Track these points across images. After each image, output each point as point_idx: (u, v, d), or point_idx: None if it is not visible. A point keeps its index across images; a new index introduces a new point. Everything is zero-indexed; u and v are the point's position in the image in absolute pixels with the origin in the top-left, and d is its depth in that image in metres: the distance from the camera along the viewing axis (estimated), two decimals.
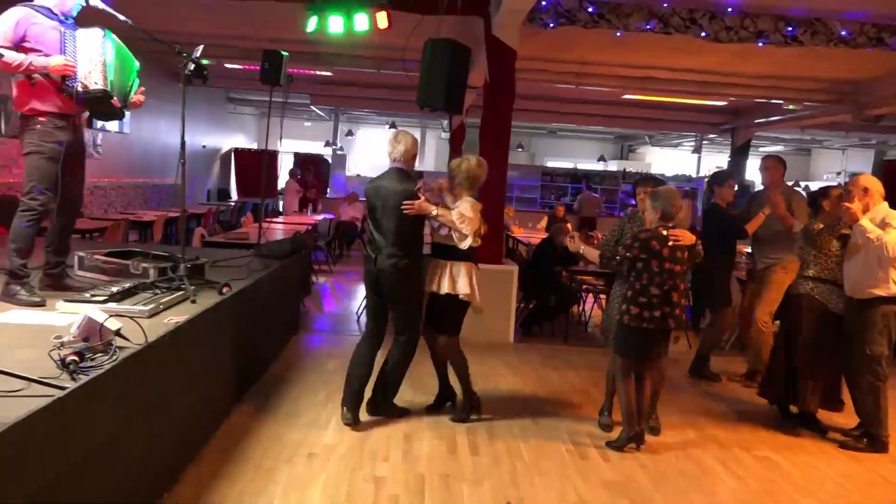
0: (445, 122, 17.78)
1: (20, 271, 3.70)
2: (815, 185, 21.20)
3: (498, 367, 5.88)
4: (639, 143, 23.14)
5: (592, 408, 4.89)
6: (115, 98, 3.82)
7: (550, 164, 22.08)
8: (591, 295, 7.61)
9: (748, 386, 5.71)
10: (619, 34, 6.83)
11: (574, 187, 19.45)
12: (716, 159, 21.36)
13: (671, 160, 23.03)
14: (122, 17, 3.83)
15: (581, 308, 7.93)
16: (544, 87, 12.06)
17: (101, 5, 3.78)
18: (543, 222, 12.63)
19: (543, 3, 6.48)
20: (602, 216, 16.09)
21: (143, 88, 4.09)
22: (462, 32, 7.16)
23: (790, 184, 6.55)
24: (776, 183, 5.76)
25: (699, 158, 20.84)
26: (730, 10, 6.72)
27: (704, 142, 19.77)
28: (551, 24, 6.59)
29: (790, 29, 6.78)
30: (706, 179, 6.38)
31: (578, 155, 23.21)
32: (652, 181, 4.91)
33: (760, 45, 6.93)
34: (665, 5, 6.64)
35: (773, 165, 5.82)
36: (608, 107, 14.35)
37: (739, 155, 14.81)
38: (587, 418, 4.71)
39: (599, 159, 22.42)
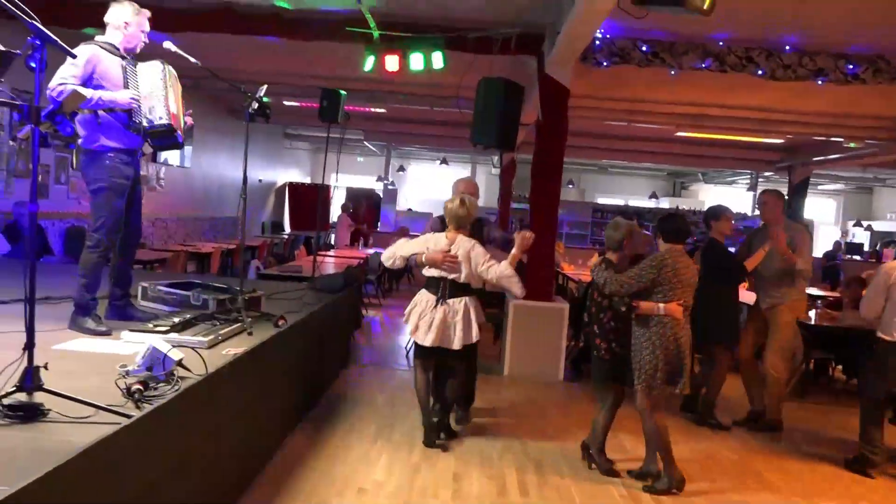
0: (496, 158, 17.91)
1: (89, 303, 3.85)
2: (877, 225, 20.62)
3: (547, 406, 5.81)
4: (692, 180, 22.83)
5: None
6: (178, 131, 3.98)
7: (601, 200, 21.95)
8: None
9: (754, 430, 5.49)
10: (672, 73, 6.81)
11: None
12: None
13: (725, 198, 22.62)
14: (192, 59, 4.01)
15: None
16: (596, 124, 12.07)
17: (174, 48, 3.98)
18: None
19: (597, 42, 6.52)
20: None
21: (191, 111, 4.22)
22: (515, 71, 7.26)
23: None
24: (776, 219, 5.55)
25: (755, 196, 20.41)
26: (787, 48, 6.65)
27: (760, 179, 19.38)
28: (605, 64, 6.62)
29: (851, 67, 6.65)
30: (703, 214, 6.11)
31: (630, 191, 23.03)
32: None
33: (819, 83, 6.82)
34: (721, 44, 6.61)
35: (771, 200, 5.62)
36: (660, 144, 14.25)
37: (797, 193, 14.45)
38: (640, 460, 4.59)
39: (651, 196, 22.19)
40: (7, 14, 2.39)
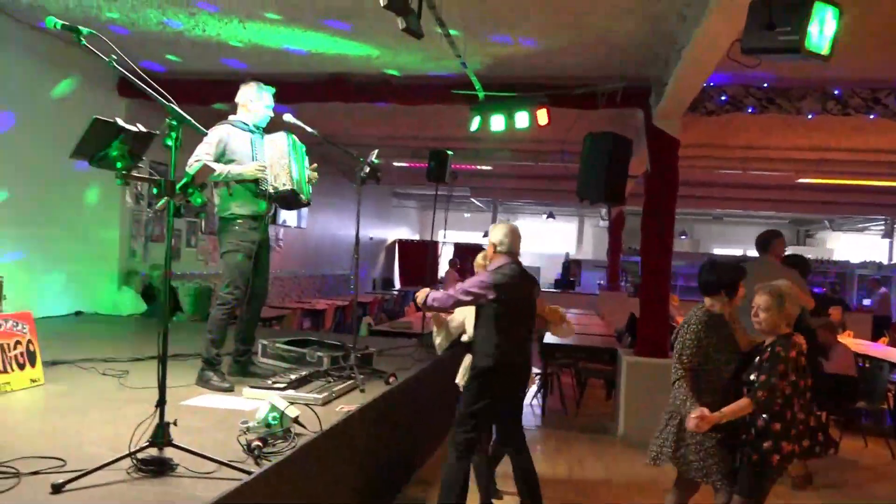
0: (604, 211, 17.66)
1: (215, 359, 4.08)
2: None
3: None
4: (817, 227, 21.50)
5: None
6: (301, 194, 4.22)
7: (716, 250, 21.05)
8: None
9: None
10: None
11: None
12: None
13: (857, 246, 21.10)
14: (309, 129, 4.28)
15: None
16: (708, 174, 11.69)
17: (293, 120, 4.26)
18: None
19: (707, 91, 6.37)
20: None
21: (315, 165, 4.43)
22: (621, 123, 7.20)
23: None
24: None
25: (891, 244, 18.93)
26: None
27: None
28: (715, 113, 6.45)
29: None
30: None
31: (747, 241, 21.87)
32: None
33: None
34: (836, 92, 6.26)
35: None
36: (780, 191, 13.57)
37: None
38: None
39: None
40: (147, 96, 2.65)
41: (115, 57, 2.59)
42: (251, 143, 4.14)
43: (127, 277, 7.96)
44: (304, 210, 13.16)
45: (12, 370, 3.70)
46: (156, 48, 6.62)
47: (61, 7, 5.66)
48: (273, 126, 4.33)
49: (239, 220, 4.11)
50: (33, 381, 3.81)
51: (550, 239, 22.09)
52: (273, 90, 4.29)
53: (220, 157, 4.04)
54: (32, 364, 3.84)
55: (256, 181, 4.09)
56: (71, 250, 7.05)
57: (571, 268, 19.49)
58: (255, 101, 4.19)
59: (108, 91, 7.06)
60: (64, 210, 6.92)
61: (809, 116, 6.45)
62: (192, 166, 3.78)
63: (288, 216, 12.48)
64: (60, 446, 2.69)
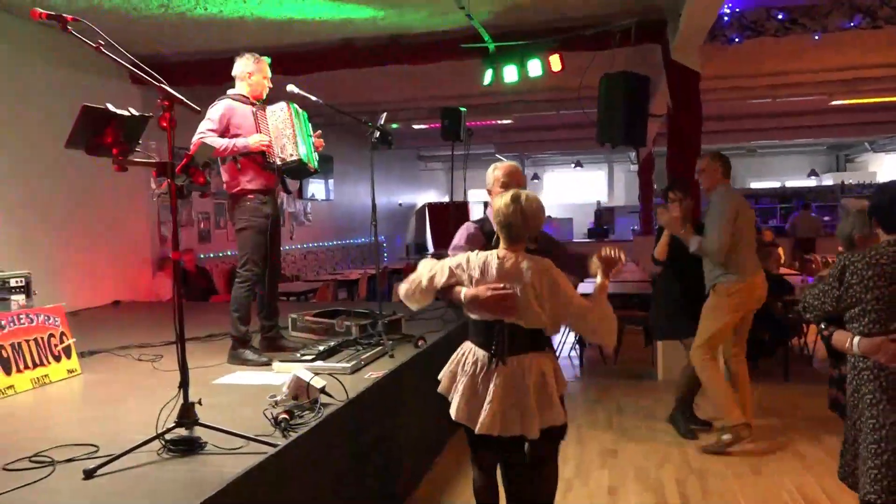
0: (633, 155, 17.31)
1: (246, 335, 4.11)
2: None
3: (711, 409, 5.44)
4: (857, 150, 20.74)
5: (823, 452, 4.34)
6: (308, 163, 4.19)
7: (753, 185, 20.50)
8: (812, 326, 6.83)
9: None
10: (816, 37, 6.22)
11: (783, 207, 17.84)
12: None
13: None
14: (313, 98, 4.21)
15: (802, 341, 7.15)
16: (736, 105, 11.31)
17: (296, 90, 4.19)
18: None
19: (725, 18, 6.11)
20: (822, 236, 14.51)
21: (319, 132, 4.37)
22: (638, 61, 6.96)
23: None
24: (712, 186, 4.60)
25: None
26: None
27: None
28: (736, 39, 6.18)
29: None
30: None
31: (784, 172, 21.30)
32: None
33: None
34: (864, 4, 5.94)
35: (708, 166, 4.61)
36: (814, 116, 13.07)
37: None
38: (814, 465, 4.17)
39: (810, 174, 20.39)
40: (142, 80, 2.62)
41: (102, 42, 2.56)
42: (254, 116, 4.09)
43: (161, 263, 8.10)
44: (331, 181, 13.18)
45: (49, 363, 3.79)
46: (160, 32, 6.59)
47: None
48: (277, 98, 4.26)
49: (249, 196, 4.09)
50: (70, 371, 3.90)
51: (580, 188, 21.79)
52: (269, 60, 4.20)
53: (225, 134, 4.01)
54: (68, 356, 3.93)
55: (263, 154, 4.05)
56: (102, 240, 7.18)
57: (604, 215, 19.25)
58: (254, 73, 4.13)
59: (123, 80, 7.08)
60: (92, 201, 7.02)
61: (837, 33, 6.13)
62: (195, 143, 3.77)
63: (315, 188, 12.53)
64: (97, 433, 2.75)
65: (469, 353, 2.78)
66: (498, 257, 2.70)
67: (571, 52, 6.54)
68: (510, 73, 6.68)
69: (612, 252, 2.73)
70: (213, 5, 5.93)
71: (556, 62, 6.41)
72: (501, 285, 2.64)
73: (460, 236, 3.20)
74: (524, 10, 6.23)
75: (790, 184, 20.21)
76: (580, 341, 7.34)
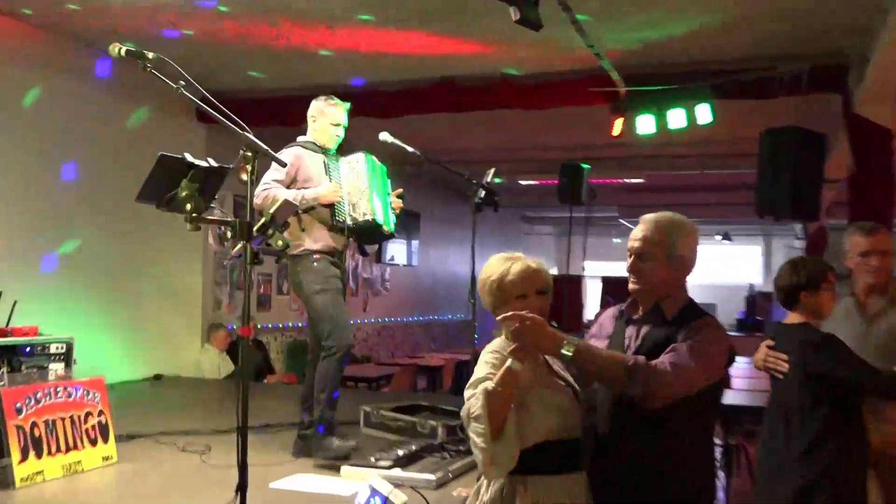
0: (798, 227, 16.81)
1: (333, 419, 4.19)
2: None
3: None
4: None
5: None
6: (384, 225, 4.32)
7: None
8: None
9: None
10: None
11: None
12: None
13: None
14: (409, 149, 4.37)
15: None
16: None
17: (391, 139, 4.37)
18: None
19: None
20: None
21: (399, 190, 4.51)
22: (809, 115, 6.88)
23: None
24: None
25: None
26: None
27: None
28: None
29: None
30: None
31: None
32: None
33: None
34: None
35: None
36: None
37: None
38: None
39: None
40: (209, 119, 2.83)
41: (183, 83, 2.79)
42: (325, 166, 4.24)
43: (210, 333, 8.40)
44: (415, 242, 13.41)
45: (83, 446, 3.98)
46: (235, 65, 7.06)
47: (131, 28, 6.18)
48: (363, 143, 4.43)
49: (315, 257, 4.20)
50: (106, 458, 4.08)
51: (727, 266, 21.26)
52: (348, 105, 4.38)
53: (292, 186, 4.18)
54: (105, 439, 4.12)
55: (333, 212, 4.18)
56: (149, 303, 7.55)
57: (758, 302, 18.60)
58: (319, 117, 4.31)
59: (187, 116, 7.57)
60: (141, 257, 7.43)
61: None
62: (261, 196, 3.98)
63: (396, 251, 12.75)
64: None
65: None
66: None
67: (724, 101, 6.54)
68: (646, 124, 6.72)
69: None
70: (296, 37, 6.32)
71: (704, 113, 6.41)
72: None
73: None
74: (666, 48, 6.31)
75: None
76: (726, 465, 7.05)
